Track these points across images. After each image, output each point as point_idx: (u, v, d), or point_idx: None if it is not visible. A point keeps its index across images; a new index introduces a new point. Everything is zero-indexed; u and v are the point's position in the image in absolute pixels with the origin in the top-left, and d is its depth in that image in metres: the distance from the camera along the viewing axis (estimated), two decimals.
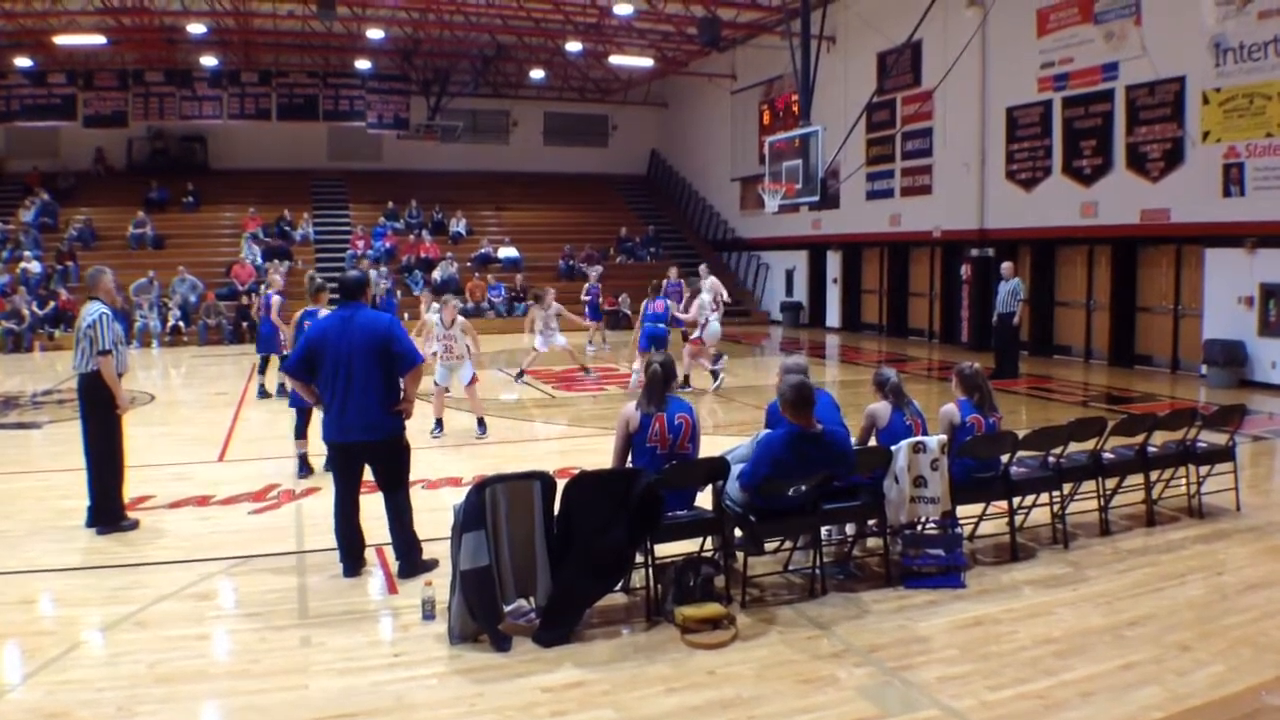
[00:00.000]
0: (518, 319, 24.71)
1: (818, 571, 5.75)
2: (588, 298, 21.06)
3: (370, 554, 6.32)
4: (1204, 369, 15.08)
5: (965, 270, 20.12)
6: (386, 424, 5.98)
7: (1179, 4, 15.10)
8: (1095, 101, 16.97)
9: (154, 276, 22.44)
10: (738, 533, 5.86)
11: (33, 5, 21.83)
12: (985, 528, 6.77)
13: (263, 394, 13.89)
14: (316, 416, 6.73)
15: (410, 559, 6.07)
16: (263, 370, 14.33)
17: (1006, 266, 15.64)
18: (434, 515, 6.48)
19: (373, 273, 22.06)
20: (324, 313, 9.05)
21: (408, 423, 6.18)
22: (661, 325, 14.29)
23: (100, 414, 7.12)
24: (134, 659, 4.87)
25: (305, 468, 9.02)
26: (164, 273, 22.89)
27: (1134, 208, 16.22)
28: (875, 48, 21.75)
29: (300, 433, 9.05)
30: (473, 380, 10.94)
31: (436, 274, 25.76)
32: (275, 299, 13.96)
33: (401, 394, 6.07)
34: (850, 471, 5.83)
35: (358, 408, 5.87)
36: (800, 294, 26.63)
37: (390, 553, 6.27)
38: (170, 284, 22.70)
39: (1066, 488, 6.89)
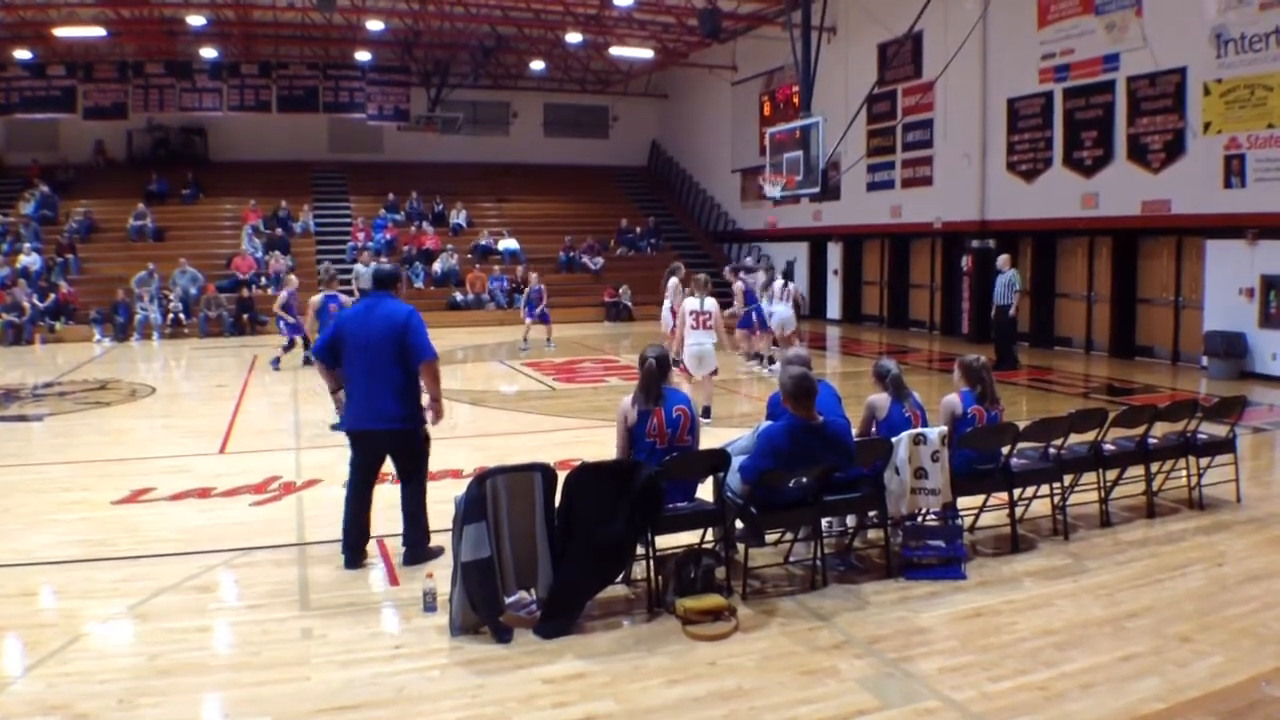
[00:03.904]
0: (518, 310, 24.72)
1: (818, 563, 5.76)
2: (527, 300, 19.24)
3: (372, 546, 6.33)
4: (1205, 360, 15.08)
5: (966, 262, 20.08)
6: (401, 414, 5.98)
7: None
8: (1096, 92, 16.93)
9: (154, 269, 22.41)
10: (739, 524, 5.86)
11: None
12: (986, 519, 6.78)
13: (306, 361, 15.19)
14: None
15: (416, 549, 6.09)
16: (288, 348, 16.37)
17: (1003, 259, 15.64)
18: (435, 507, 6.48)
19: (370, 266, 21.92)
20: (345, 299, 9.58)
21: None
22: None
23: None
24: (135, 651, 4.89)
25: None
26: (164, 265, 22.87)
27: (1135, 199, 16.20)
28: (876, 39, 21.69)
29: None
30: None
31: (437, 266, 25.76)
32: (283, 294, 16.55)
33: (423, 388, 6.10)
34: (851, 463, 5.83)
35: (374, 396, 5.92)
36: (801, 285, 26.56)
37: (391, 545, 6.28)
38: (171, 276, 22.69)
39: (1067, 479, 6.88)
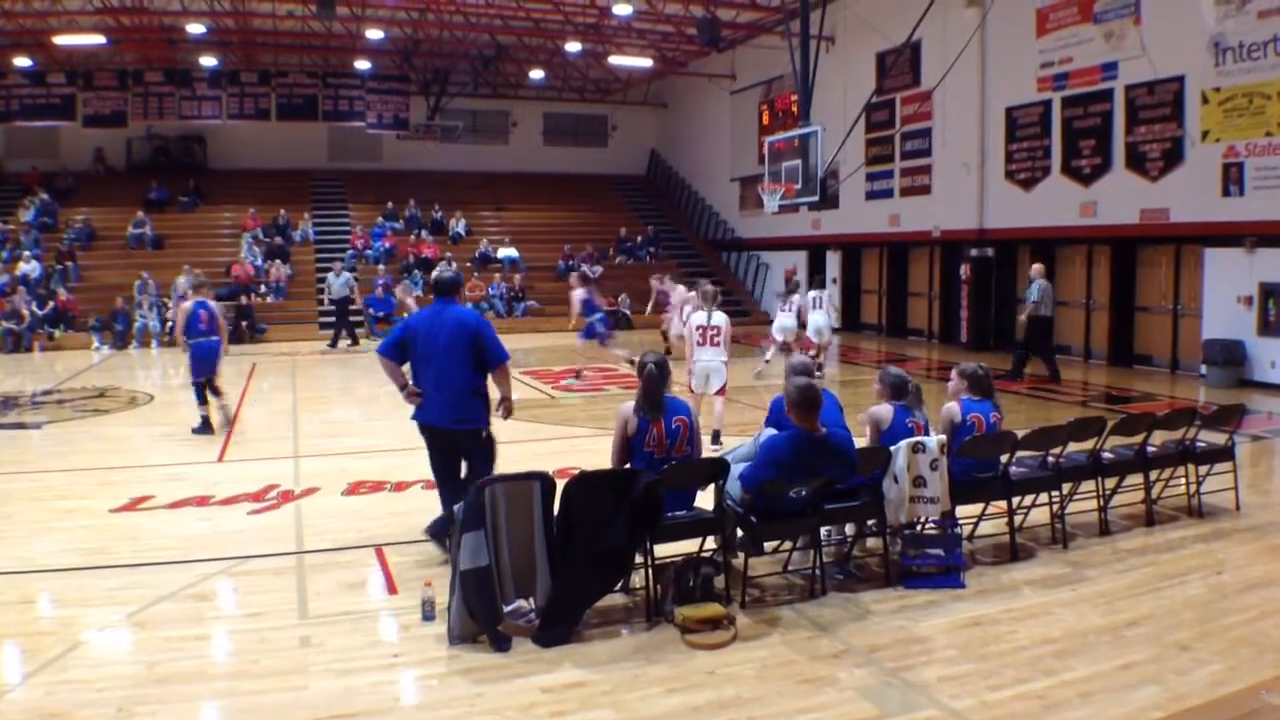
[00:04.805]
0: (517, 319, 24.81)
1: (817, 572, 5.74)
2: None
3: (369, 554, 6.31)
4: (1203, 368, 15.08)
5: (964, 270, 20.12)
6: (471, 415, 6.17)
7: (1178, 3, 15.10)
8: (1094, 101, 16.96)
9: (148, 277, 22.35)
10: (738, 532, 5.85)
11: (32, 5, 21.83)
12: (984, 528, 6.77)
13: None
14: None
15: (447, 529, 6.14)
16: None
17: (1035, 268, 15.41)
18: (434, 515, 6.46)
19: (341, 275, 21.72)
20: (215, 305, 10.90)
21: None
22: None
23: None
24: (133, 659, 4.88)
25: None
26: (164, 272, 22.86)
27: (1133, 207, 16.22)
28: (874, 48, 21.74)
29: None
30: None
31: (436, 274, 25.71)
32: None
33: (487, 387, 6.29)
34: (853, 475, 5.82)
35: (446, 398, 6.11)
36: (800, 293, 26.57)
37: (390, 553, 6.29)
38: (174, 282, 22.65)
39: (1066, 487, 6.88)
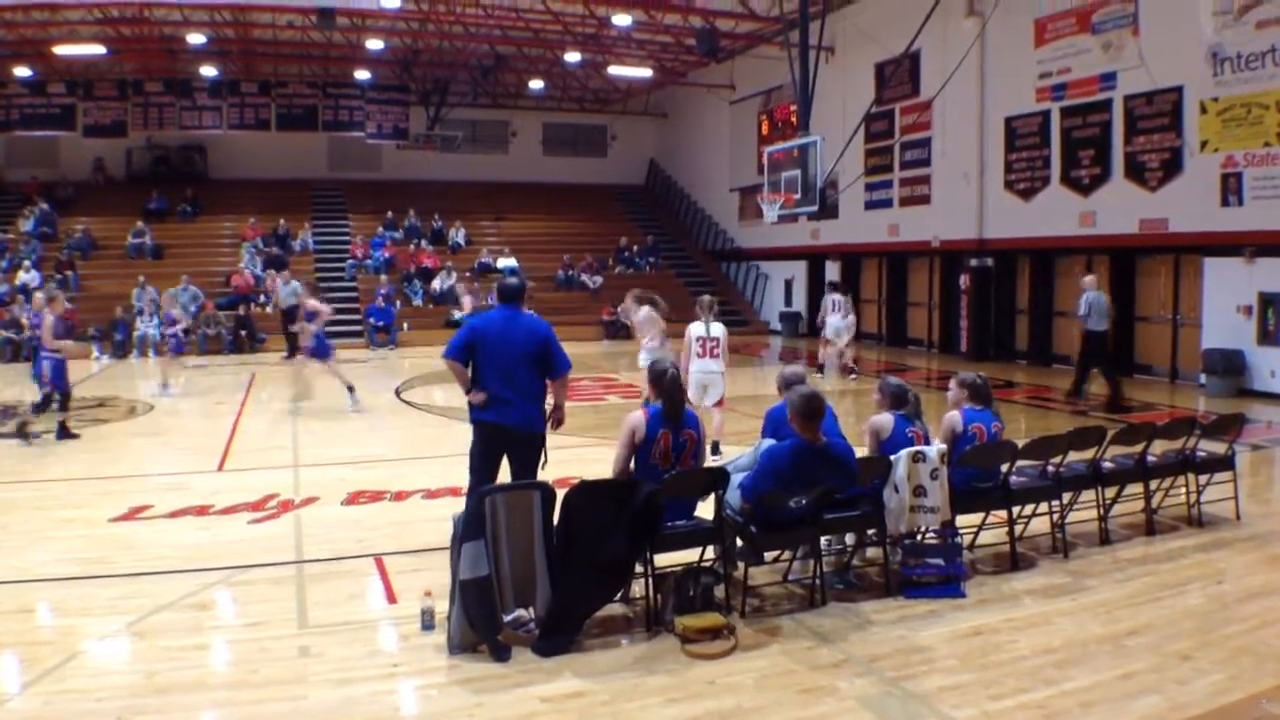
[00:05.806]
0: None
1: (818, 581, 5.74)
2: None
3: (369, 564, 6.29)
4: (1203, 378, 15.09)
5: (964, 280, 20.14)
6: (535, 418, 6.28)
7: (1177, 14, 15.15)
8: (1093, 111, 17.01)
9: (144, 283, 22.30)
10: (738, 541, 5.84)
11: (32, 15, 21.89)
12: (985, 537, 6.76)
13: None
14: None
15: None
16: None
17: (1088, 279, 14.77)
18: (435, 524, 6.46)
19: (289, 284, 21.26)
20: (49, 318, 11.20)
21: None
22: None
23: None
24: (132, 669, 4.87)
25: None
26: (164, 282, 22.81)
27: (1132, 217, 16.25)
28: (874, 58, 21.81)
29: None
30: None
31: (436, 284, 25.78)
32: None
33: (550, 393, 6.42)
34: (853, 485, 5.82)
35: (513, 400, 6.18)
36: (799, 304, 26.64)
37: (389, 563, 6.27)
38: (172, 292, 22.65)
39: (1066, 497, 6.87)
